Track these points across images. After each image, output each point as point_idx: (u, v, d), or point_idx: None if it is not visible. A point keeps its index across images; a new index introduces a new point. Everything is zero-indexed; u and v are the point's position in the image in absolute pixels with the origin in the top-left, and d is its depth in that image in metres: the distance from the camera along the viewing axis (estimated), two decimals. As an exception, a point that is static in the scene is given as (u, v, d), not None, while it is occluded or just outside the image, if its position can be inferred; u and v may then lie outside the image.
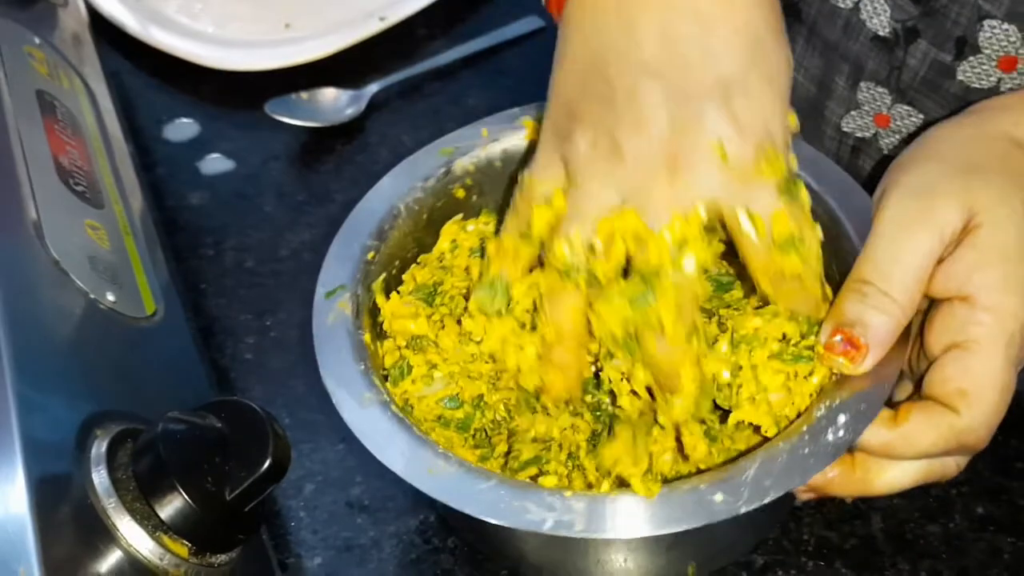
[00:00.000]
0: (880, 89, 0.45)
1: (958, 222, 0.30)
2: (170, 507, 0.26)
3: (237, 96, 0.60)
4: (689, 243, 0.31)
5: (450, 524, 0.40)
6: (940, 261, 0.31)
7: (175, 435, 0.27)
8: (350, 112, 0.59)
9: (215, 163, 0.58)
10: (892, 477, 0.33)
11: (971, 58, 0.42)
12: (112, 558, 0.26)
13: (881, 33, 0.43)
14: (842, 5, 0.44)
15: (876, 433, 0.30)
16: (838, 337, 0.31)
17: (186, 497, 0.26)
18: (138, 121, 0.59)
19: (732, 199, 0.31)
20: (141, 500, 0.26)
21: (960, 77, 0.42)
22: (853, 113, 0.47)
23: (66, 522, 0.25)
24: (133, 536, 0.26)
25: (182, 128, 0.60)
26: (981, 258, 0.30)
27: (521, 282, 0.35)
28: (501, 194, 0.40)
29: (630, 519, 0.30)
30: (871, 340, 0.30)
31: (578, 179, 0.32)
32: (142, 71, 0.63)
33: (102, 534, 0.26)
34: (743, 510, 0.29)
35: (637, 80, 0.31)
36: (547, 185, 0.33)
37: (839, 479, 0.33)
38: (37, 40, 0.46)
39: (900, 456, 0.31)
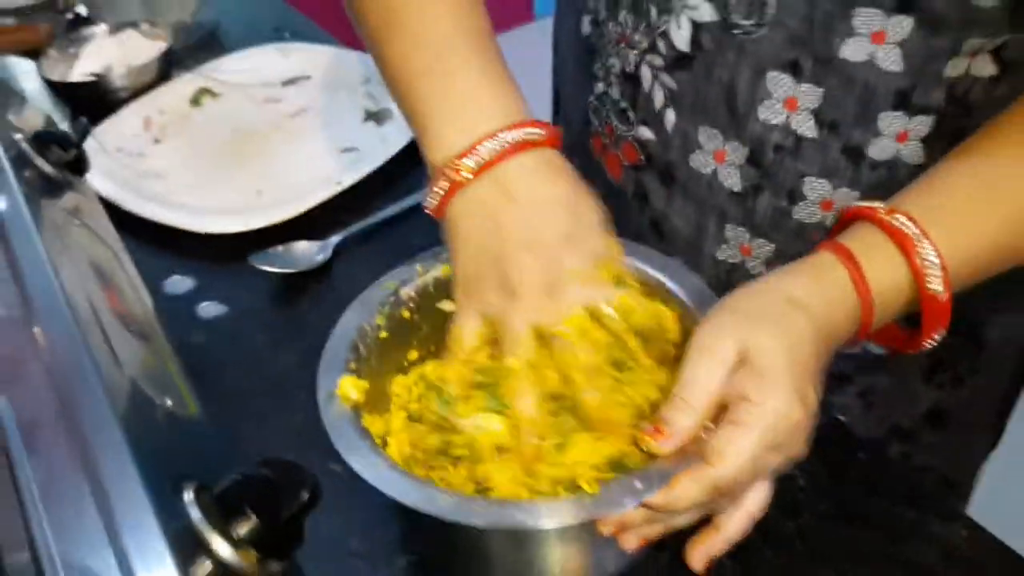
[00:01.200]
0: (741, 228, 0.62)
1: (735, 356, 0.43)
2: (244, 527, 0.38)
3: (224, 253, 0.74)
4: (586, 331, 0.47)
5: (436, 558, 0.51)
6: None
7: (244, 479, 0.39)
8: (319, 258, 0.72)
9: (210, 308, 0.70)
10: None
11: (800, 203, 0.58)
12: (207, 564, 0.37)
13: (736, 190, 0.60)
14: (704, 171, 0.61)
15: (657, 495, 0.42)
16: (650, 427, 0.44)
17: (255, 518, 0.38)
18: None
19: (592, 298, 0.47)
20: (223, 524, 0.38)
21: (795, 216, 0.59)
22: (723, 246, 0.63)
23: (178, 543, 0.37)
24: (220, 548, 0.38)
25: (178, 283, 0.73)
26: (753, 376, 0.43)
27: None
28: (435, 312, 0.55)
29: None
30: (672, 431, 0.43)
31: (501, 318, 0.49)
32: (135, 239, 0.76)
33: (200, 548, 0.37)
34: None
35: (514, 254, 0.48)
36: (470, 332, 0.50)
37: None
38: (76, 221, 0.59)
39: (673, 509, 0.43)
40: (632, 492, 0.42)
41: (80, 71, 0.94)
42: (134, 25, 0.98)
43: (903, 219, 0.45)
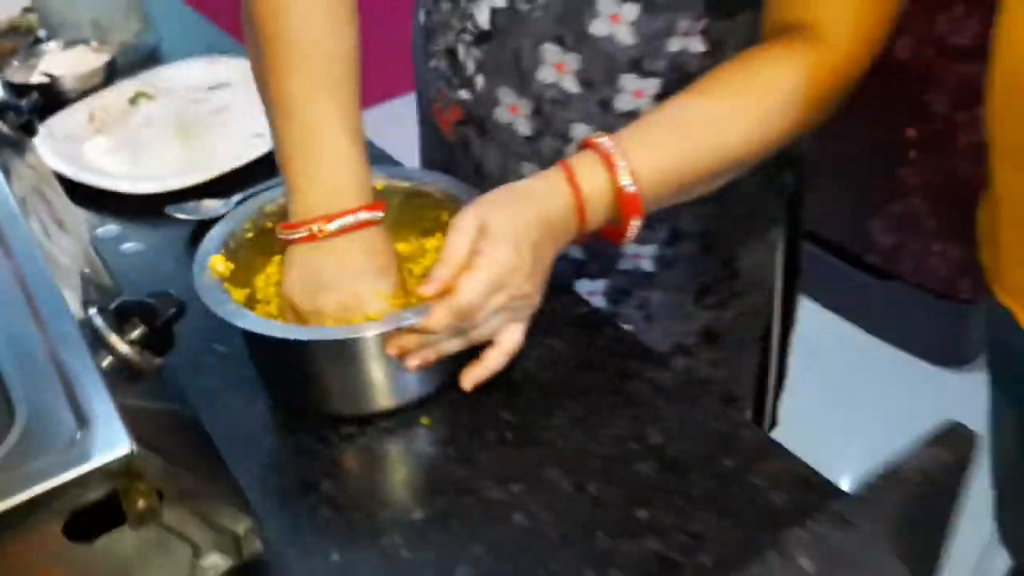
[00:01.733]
0: (532, 165, 0.81)
1: (476, 227, 0.62)
2: (134, 331, 0.56)
3: (148, 209, 0.92)
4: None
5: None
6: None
7: (132, 301, 0.57)
8: (223, 210, 0.91)
9: (132, 247, 0.88)
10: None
11: (570, 144, 0.79)
12: (110, 358, 0.54)
13: (527, 135, 0.80)
14: (504, 122, 0.80)
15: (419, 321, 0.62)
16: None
17: (141, 325, 0.56)
18: (80, 227, 0.89)
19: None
20: (119, 329, 0.56)
21: (566, 153, 0.78)
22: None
23: (92, 346, 0.54)
24: (119, 345, 0.55)
25: (108, 231, 0.91)
26: (486, 238, 0.61)
27: None
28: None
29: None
30: (433, 280, 0.61)
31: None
32: (75, 200, 0.94)
33: (104, 346, 0.55)
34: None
35: (319, 295, 0.66)
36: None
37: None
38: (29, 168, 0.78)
39: (431, 330, 0.62)
40: (403, 318, 0.61)
41: (36, 74, 1.13)
42: (85, 42, 1.17)
43: (606, 140, 0.65)
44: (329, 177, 0.67)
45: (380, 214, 0.68)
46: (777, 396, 1.02)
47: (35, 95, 0.83)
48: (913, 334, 1.88)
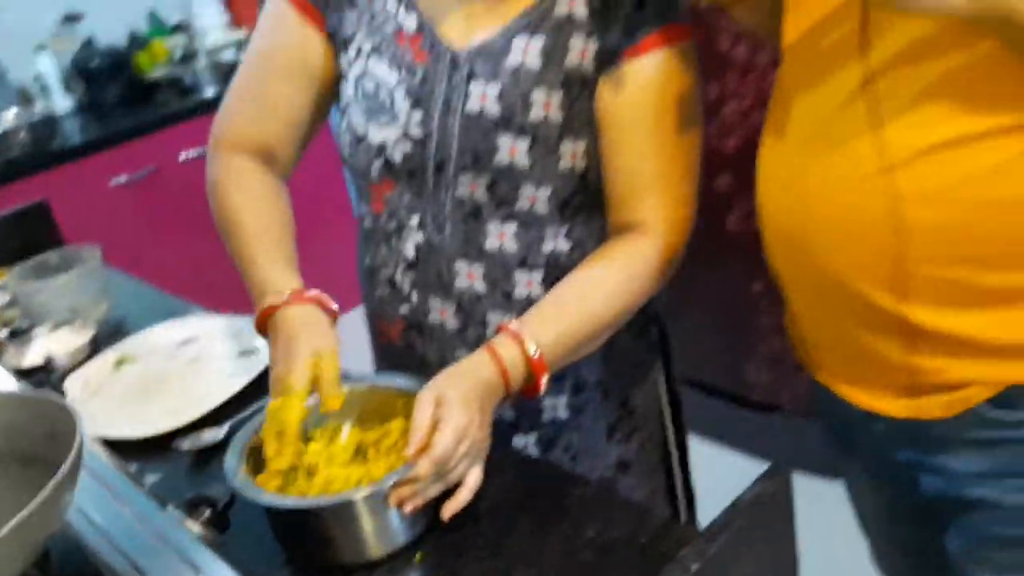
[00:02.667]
0: (462, 351, 1.06)
1: (435, 400, 0.86)
2: (203, 514, 0.76)
3: (149, 446, 1.12)
4: None
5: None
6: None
7: (201, 496, 0.78)
8: (220, 437, 1.11)
9: (150, 477, 1.08)
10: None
11: (489, 330, 1.05)
12: (190, 529, 0.75)
13: (454, 329, 1.06)
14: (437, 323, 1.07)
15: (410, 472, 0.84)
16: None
17: (207, 511, 0.77)
18: None
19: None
20: (193, 513, 0.76)
21: (487, 335, 1.05)
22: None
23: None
24: (192, 526, 0.76)
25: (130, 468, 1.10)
26: (444, 407, 0.86)
27: None
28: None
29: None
30: (412, 444, 0.84)
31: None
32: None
33: (182, 524, 0.75)
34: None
35: (291, 349, 0.93)
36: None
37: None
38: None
39: (420, 479, 0.84)
40: (398, 474, 0.83)
41: (31, 358, 1.33)
42: (68, 323, 1.39)
43: (514, 322, 0.92)
44: (275, 288, 0.98)
45: (319, 293, 0.98)
46: (691, 511, 1.25)
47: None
48: (806, 456, 2.15)
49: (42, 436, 0.74)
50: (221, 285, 1.76)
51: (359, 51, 1.04)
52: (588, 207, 1.03)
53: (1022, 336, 0.79)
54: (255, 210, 1.04)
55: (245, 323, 1.32)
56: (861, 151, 0.80)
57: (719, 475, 1.29)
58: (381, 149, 1.03)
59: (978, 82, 0.74)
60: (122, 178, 2.73)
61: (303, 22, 1.06)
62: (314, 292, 0.97)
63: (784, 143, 0.89)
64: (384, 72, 1.02)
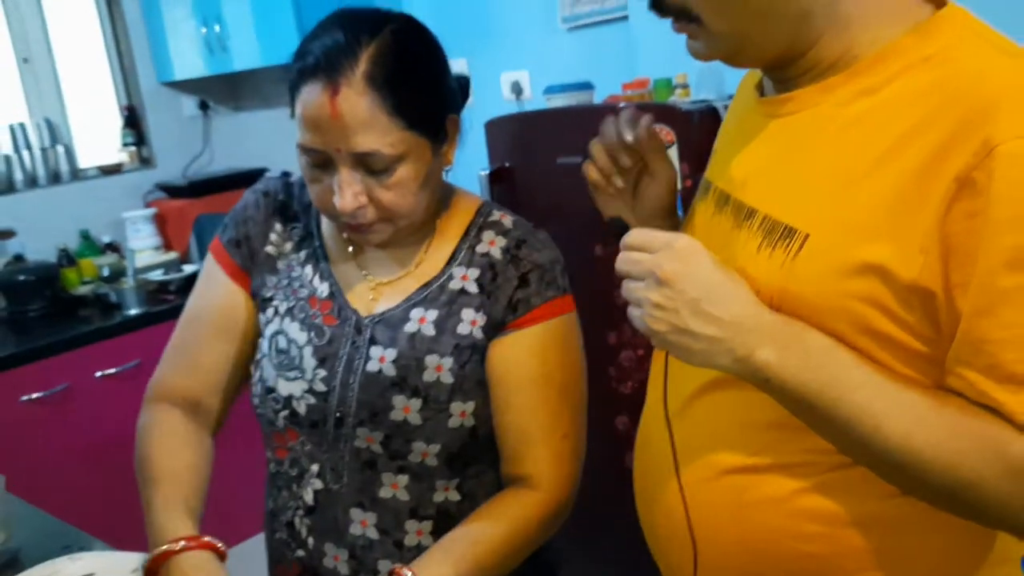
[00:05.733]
0: None
1: None
2: None
3: None
4: None
5: None
6: None
7: None
8: None
9: None
10: None
11: None
12: None
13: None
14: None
15: None
16: None
17: None
18: None
19: None
20: None
21: None
22: None
23: None
24: None
25: None
26: None
27: None
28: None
29: None
30: None
31: None
32: None
33: None
34: None
35: None
36: None
37: None
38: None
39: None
40: None
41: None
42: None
43: (405, 568, 0.98)
44: (170, 534, 1.03)
45: (213, 539, 1.02)
46: None
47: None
48: None
49: None
50: (127, 515, 1.77)
51: (276, 311, 1.16)
52: (478, 461, 1.12)
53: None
54: (166, 456, 1.10)
55: (141, 559, 1.33)
56: (666, 474, 0.93)
57: None
58: (288, 401, 1.12)
59: (749, 426, 0.88)
60: (34, 395, 2.72)
61: (232, 283, 1.17)
62: (207, 538, 1.02)
63: (646, 412, 1.02)
64: (296, 331, 1.13)
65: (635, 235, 0.85)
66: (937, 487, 0.77)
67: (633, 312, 0.84)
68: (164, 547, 1.01)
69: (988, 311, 0.73)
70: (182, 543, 1.01)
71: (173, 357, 1.21)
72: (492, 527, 1.05)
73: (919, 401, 0.77)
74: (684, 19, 0.85)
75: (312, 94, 1.00)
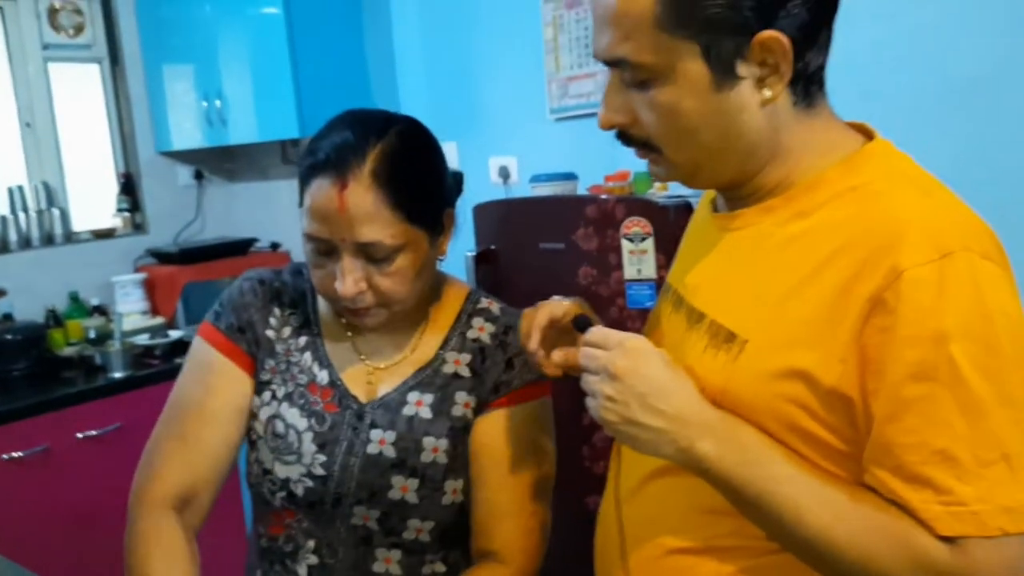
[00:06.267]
0: None
1: None
2: None
3: None
4: None
5: None
6: None
7: None
8: None
9: None
10: None
11: None
12: None
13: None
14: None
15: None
16: None
17: None
18: None
19: None
20: None
21: None
22: None
23: None
24: None
25: None
26: None
27: None
28: None
29: None
30: None
31: None
32: None
33: None
34: None
35: None
36: None
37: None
38: None
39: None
40: None
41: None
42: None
43: None
44: None
45: None
46: None
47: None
48: None
49: None
50: (103, 570, 1.80)
51: (273, 395, 1.22)
52: (464, 536, 1.19)
53: None
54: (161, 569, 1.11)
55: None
56: (615, 553, 1.02)
57: None
58: (285, 483, 1.18)
59: (690, 511, 0.96)
60: (14, 453, 2.74)
61: (238, 369, 1.21)
62: None
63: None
64: (295, 417, 1.20)
65: (594, 333, 0.93)
66: (852, 574, 0.84)
67: (589, 402, 0.92)
68: None
69: (894, 417, 0.82)
70: None
71: (170, 450, 1.18)
72: None
73: (838, 496, 0.85)
74: (646, 149, 0.95)
75: (321, 188, 1.08)
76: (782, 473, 0.86)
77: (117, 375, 3.05)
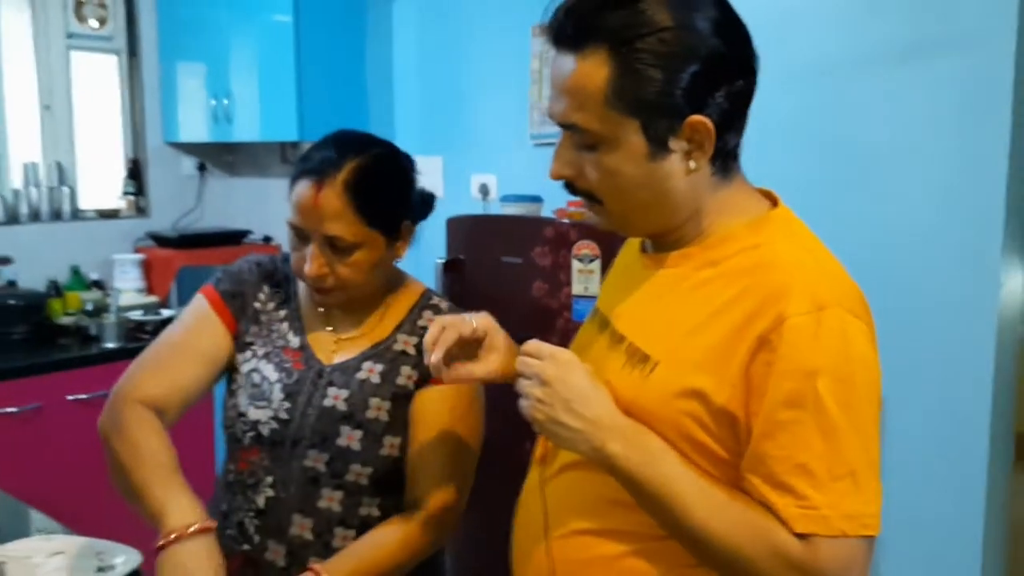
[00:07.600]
0: None
1: None
2: None
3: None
4: None
5: None
6: None
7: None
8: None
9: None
10: None
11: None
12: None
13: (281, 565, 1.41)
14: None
15: None
16: None
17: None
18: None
19: None
20: None
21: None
22: None
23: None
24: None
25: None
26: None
27: None
28: None
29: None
30: None
31: None
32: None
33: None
34: None
35: None
36: None
37: None
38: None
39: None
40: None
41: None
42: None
43: (319, 564, 1.28)
44: (176, 512, 1.24)
45: (214, 524, 1.24)
46: None
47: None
48: None
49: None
50: (87, 515, 2.03)
51: (254, 353, 1.50)
52: (397, 488, 1.44)
53: None
54: (158, 444, 1.33)
55: (105, 545, 1.60)
56: (538, 531, 1.19)
57: None
58: (255, 424, 1.44)
59: (598, 499, 1.10)
60: (8, 409, 2.97)
61: (222, 325, 1.49)
62: (209, 522, 1.26)
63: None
64: (270, 371, 1.47)
65: (530, 344, 1.09)
66: (723, 561, 1.01)
67: (523, 403, 1.07)
68: (198, 524, 1.23)
69: (769, 435, 0.98)
70: (195, 526, 1.22)
71: (151, 369, 1.42)
72: (386, 538, 1.37)
73: (718, 495, 1.01)
74: (589, 200, 1.11)
75: (303, 187, 1.37)
76: (676, 474, 1.01)
77: (109, 345, 3.28)
